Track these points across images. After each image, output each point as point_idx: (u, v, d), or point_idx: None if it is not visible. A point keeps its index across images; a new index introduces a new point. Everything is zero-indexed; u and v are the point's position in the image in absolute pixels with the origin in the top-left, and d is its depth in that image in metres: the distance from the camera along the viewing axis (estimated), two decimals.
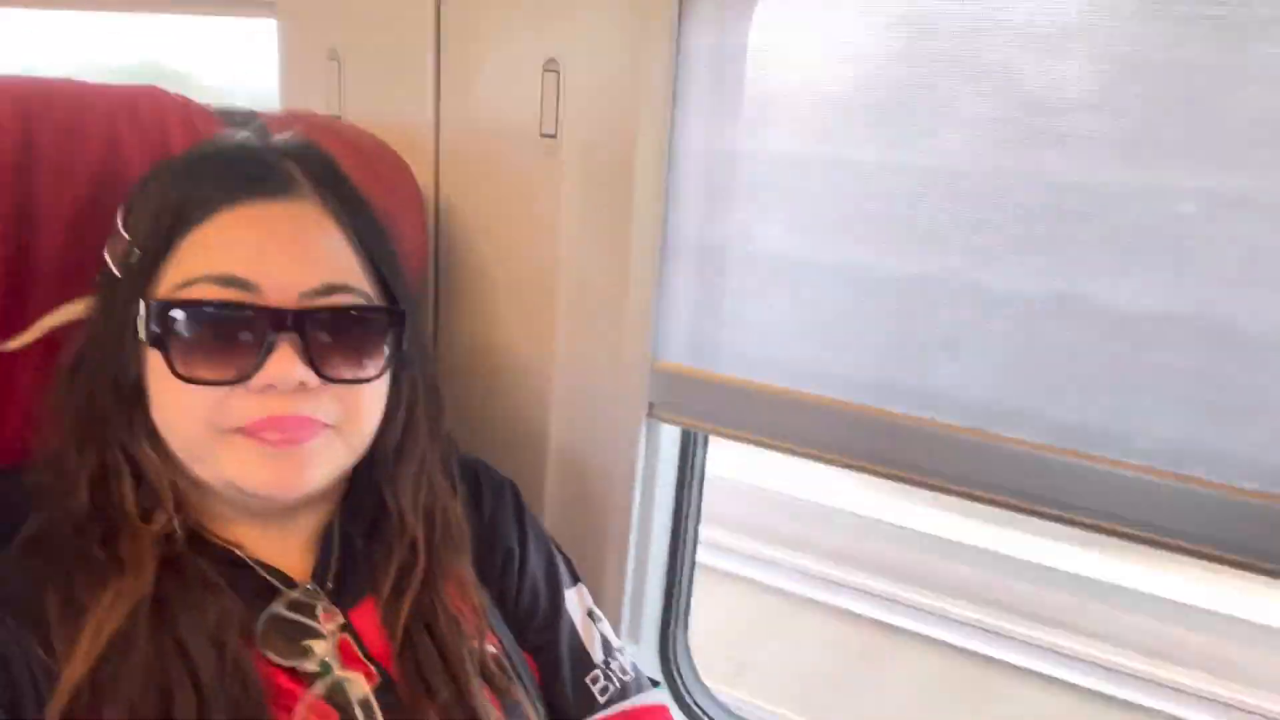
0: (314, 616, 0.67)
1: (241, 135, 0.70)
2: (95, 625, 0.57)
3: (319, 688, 0.64)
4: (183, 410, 0.61)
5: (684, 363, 0.96)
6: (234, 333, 0.60)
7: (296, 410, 0.61)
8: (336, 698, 0.64)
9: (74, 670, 0.56)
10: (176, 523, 0.64)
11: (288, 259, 0.61)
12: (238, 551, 0.67)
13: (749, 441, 0.93)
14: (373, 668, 0.67)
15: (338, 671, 0.65)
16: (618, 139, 0.90)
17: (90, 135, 0.72)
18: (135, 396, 0.63)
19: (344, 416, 0.64)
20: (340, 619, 0.68)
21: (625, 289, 0.93)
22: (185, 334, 0.60)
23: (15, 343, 0.69)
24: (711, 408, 0.94)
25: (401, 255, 0.71)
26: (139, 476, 0.64)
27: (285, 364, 0.59)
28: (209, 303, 0.60)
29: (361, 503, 0.72)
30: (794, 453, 0.90)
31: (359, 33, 1.04)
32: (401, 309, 0.67)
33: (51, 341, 0.69)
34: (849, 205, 0.85)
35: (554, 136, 0.93)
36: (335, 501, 0.72)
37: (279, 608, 0.66)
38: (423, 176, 0.99)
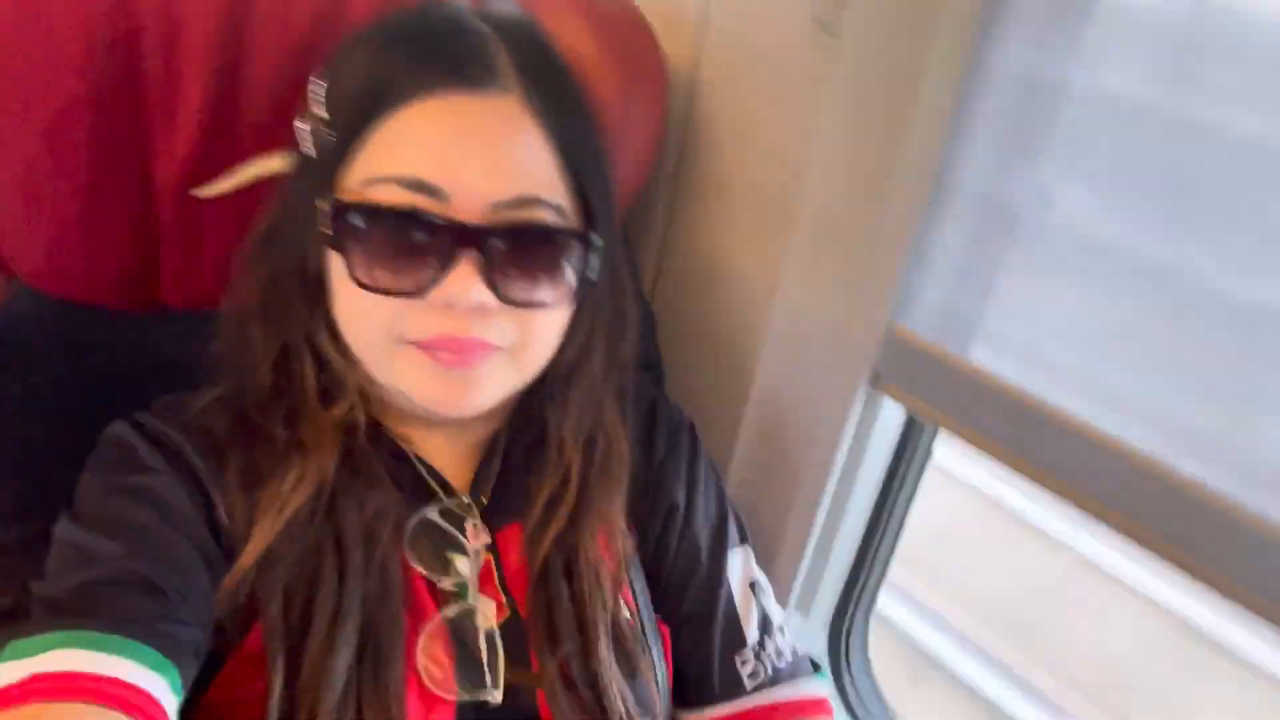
0: (462, 530, 0.66)
1: (451, 3, 0.62)
2: (279, 503, 0.59)
3: (450, 610, 0.63)
4: (362, 315, 0.59)
5: (928, 336, 0.78)
6: (415, 244, 0.55)
7: (471, 332, 0.57)
8: (463, 625, 0.62)
9: (255, 545, 0.57)
10: (359, 411, 0.63)
11: (480, 165, 0.56)
12: (405, 448, 0.66)
13: (992, 454, 0.74)
14: (504, 599, 0.65)
15: (471, 598, 0.64)
16: (904, 48, 0.71)
17: None
18: (318, 289, 0.61)
19: (519, 340, 0.60)
20: (487, 538, 0.66)
21: (875, 232, 0.76)
22: (365, 240, 0.56)
23: (210, 190, 0.68)
24: (951, 398, 0.77)
25: (617, 157, 0.66)
26: (321, 362, 0.63)
27: (464, 282, 0.55)
28: (390, 209, 0.55)
29: (526, 421, 0.69)
30: (1051, 488, 0.70)
31: None
32: (595, 234, 0.60)
33: (252, 193, 0.67)
34: (1203, 190, 0.62)
35: (831, 32, 0.75)
36: (503, 415, 0.70)
37: (432, 513, 0.65)
38: (679, 57, 0.85)
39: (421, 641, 0.61)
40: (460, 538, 0.65)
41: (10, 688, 0.46)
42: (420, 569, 0.63)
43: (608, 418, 0.69)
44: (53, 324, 0.69)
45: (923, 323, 0.78)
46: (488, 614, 0.64)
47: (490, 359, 0.59)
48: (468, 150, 0.55)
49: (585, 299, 0.64)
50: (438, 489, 0.66)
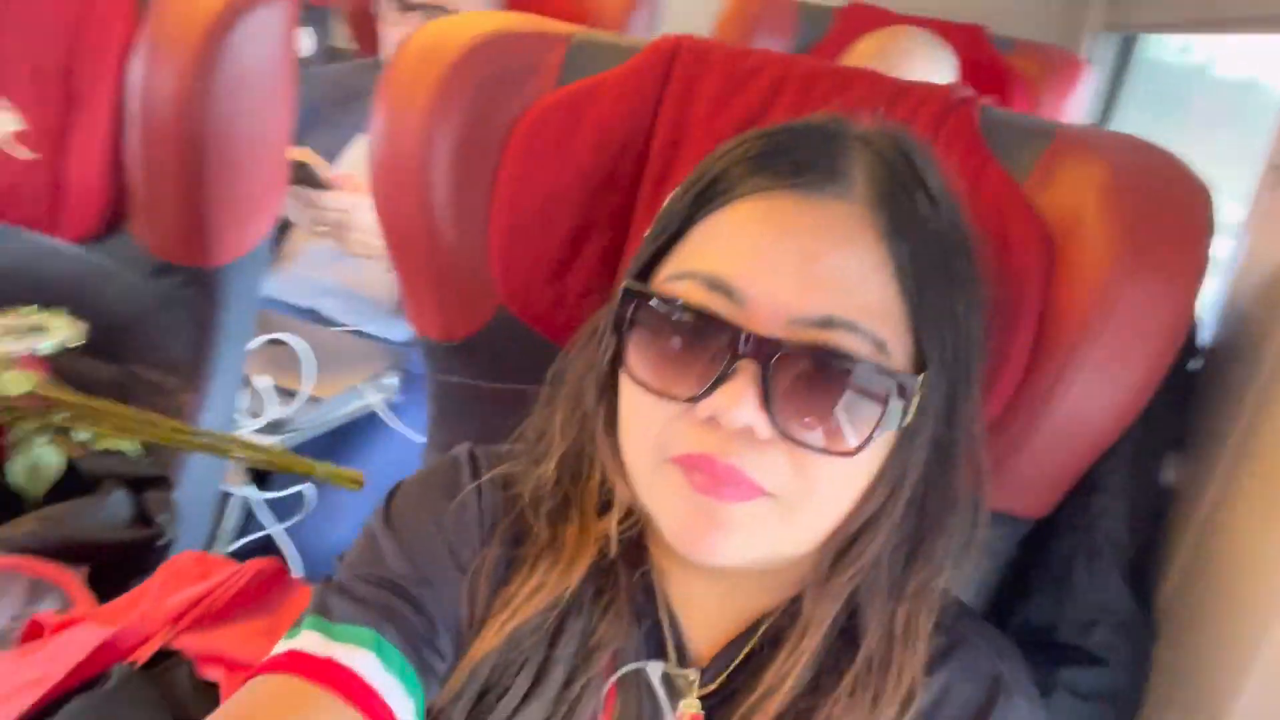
0: (674, 705, 0.56)
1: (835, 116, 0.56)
2: (513, 609, 0.55)
3: None
4: (635, 423, 0.52)
5: None
6: (692, 346, 0.49)
7: (731, 458, 0.48)
8: None
9: (479, 648, 0.55)
10: (619, 531, 0.57)
11: (789, 273, 0.48)
12: (658, 584, 0.58)
13: None
14: None
15: None
16: None
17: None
18: (611, 386, 0.55)
19: (794, 489, 0.49)
20: None
21: None
22: (644, 332, 0.51)
23: None
24: None
25: (992, 300, 0.55)
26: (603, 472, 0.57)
27: (734, 398, 0.47)
28: (668, 301, 0.50)
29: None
30: None
31: None
32: (909, 377, 0.49)
33: None
34: None
35: None
36: (783, 590, 0.57)
37: (654, 671, 0.56)
38: None
39: None
40: (668, 714, 0.56)
41: (306, 658, 0.49)
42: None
43: (886, 621, 0.54)
44: (517, 344, 0.77)
45: None
46: None
47: (752, 503, 0.49)
48: (779, 255, 0.48)
49: (895, 462, 0.51)
50: (671, 649, 0.57)
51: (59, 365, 0.98)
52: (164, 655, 0.65)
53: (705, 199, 0.51)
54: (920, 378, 0.49)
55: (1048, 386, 0.63)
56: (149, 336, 0.99)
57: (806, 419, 0.48)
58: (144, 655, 0.64)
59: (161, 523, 0.85)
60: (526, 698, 0.54)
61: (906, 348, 0.50)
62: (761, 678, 0.54)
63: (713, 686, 0.56)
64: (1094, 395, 0.62)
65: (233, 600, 0.69)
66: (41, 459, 0.87)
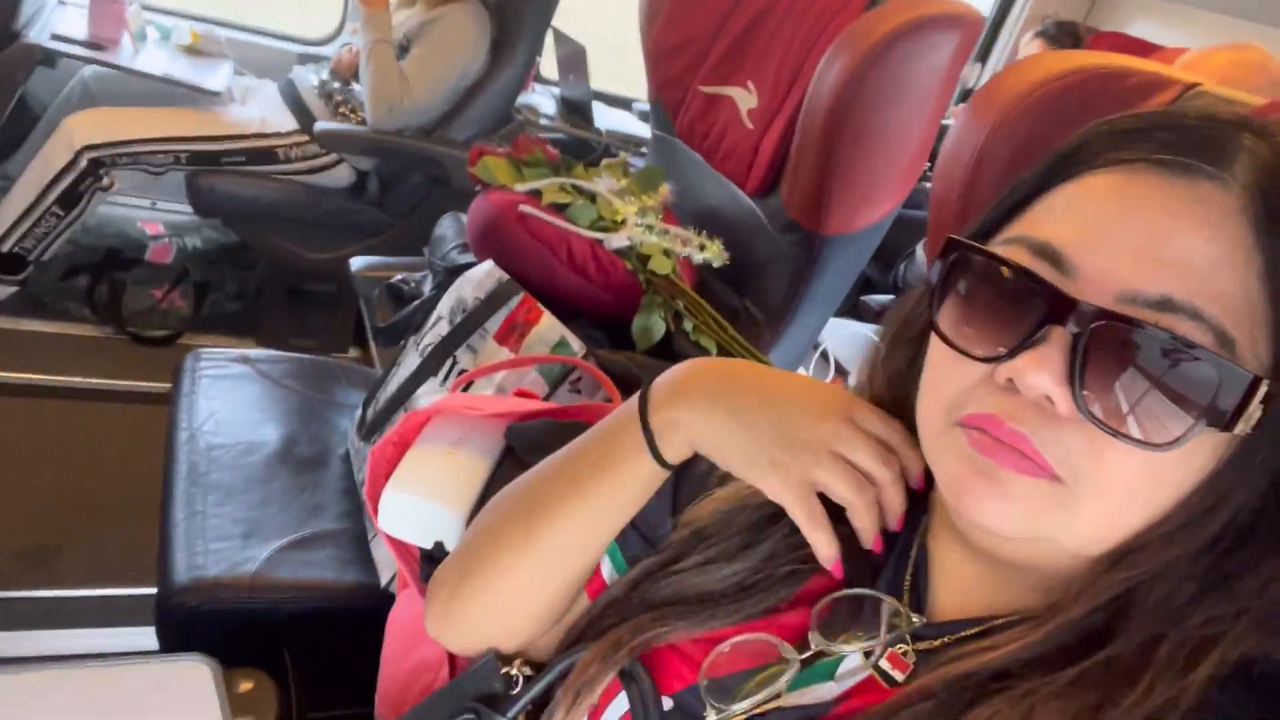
0: (891, 643, 0.54)
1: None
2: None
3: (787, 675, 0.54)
4: (935, 381, 0.51)
5: None
6: (1005, 307, 0.46)
7: (1025, 427, 0.45)
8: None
9: (705, 507, 0.63)
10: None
11: (1131, 247, 0.44)
12: (919, 535, 0.57)
13: None
14: None
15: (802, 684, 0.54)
16: None
17: None
18: (920, 343, 0.54)
19: (1086, 478, 0.44)
20: (898, 677, 0.53)
21: None
22: (960, 288, 0.49)
23: None
24: None
25: None
26: None
27: (1038, 363, 0.44)
28: (989, 257, 0.47)
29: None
30: None
31: None
32: (1248, 375, 0.42)
33: None
34: None
35: None
36: (1050, 596, 0.51)
37: (885, 605, 0.55)
38: None
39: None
40: (879, 646, 0.53)
41: None
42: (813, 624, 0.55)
43: (1148, 635, 0.46)
44: None
45: None
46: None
47: (1033, 477, 0.45)
48: (1123, 228, 0.44)
49: (1222, 479, 0.45)
50: (907, 593, 0.56)
51: (703, 277, 1.29)
52: None
53: (1059, 168, 0.48)
54: (1265, 383, 0.42)
55: None
56: (764, 280, 1.23)
57: (1115, 401, 0.43)
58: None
59: None
60: (731, 559, 0.58)
61: (1260, 353, 0.43)
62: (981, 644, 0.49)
63: (927, 645, 0.53)
64: None
65: None
66: (654, 325, 1.18)
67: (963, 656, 0.49)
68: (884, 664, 0.53)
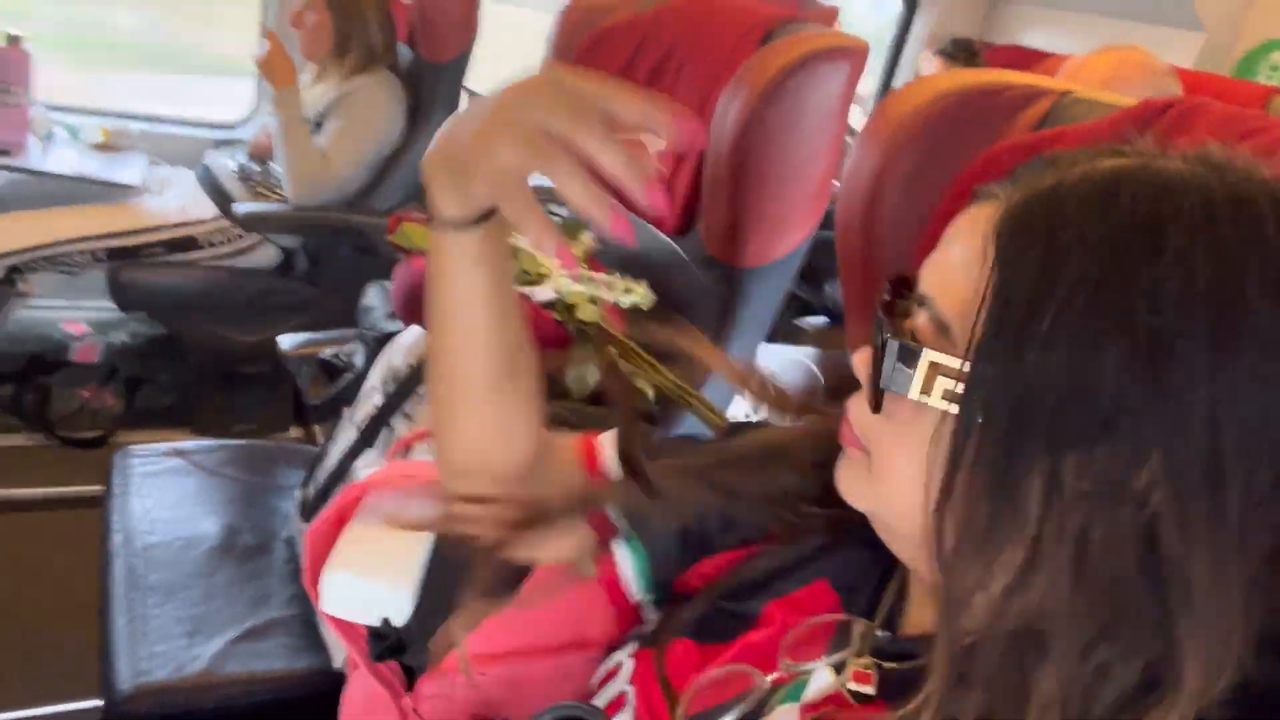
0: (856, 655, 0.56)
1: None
2: None
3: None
4: None
5: None
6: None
7: (850, 406, 0.54)
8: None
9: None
10: None
11: (935, 258, 0.52)
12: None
13: None
14: None
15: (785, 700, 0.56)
16: None
17: None
18: None
19: (873, 445, 0.52)
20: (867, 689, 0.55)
21: None
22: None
23: None
24: None
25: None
26: None
27: (861, 350, 0.52)
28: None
29: None
30: None
31: None
32: (917, 347, 0.48)
33: None
34: None
35: None
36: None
37: (854, 625, 0.57)
38: None
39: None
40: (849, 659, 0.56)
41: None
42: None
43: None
44: None
45: None
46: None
47: (854, 452, 0.53)
48: (942, 244, 0.52)
49: (935, 451, 0.47)
50: (884, 609, 0.58)
51: (634, 319, 1.30)
52: None
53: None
54: (926, 350, 0.47)
55: None
56: (691, 317, 1.25)
57: (883, 379, 0.49)
58: None
59: None
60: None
61: (974, 340, 0.46)
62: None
63: (893, 666, 0.55)
64: None
65: None
66: (588, 374, 1.19)
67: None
68: (851, 683, 0.55)
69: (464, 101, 2.65)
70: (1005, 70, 0.86)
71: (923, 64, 2.77)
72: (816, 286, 2.55)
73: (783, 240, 1.17)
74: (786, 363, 1.60)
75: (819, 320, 2.05)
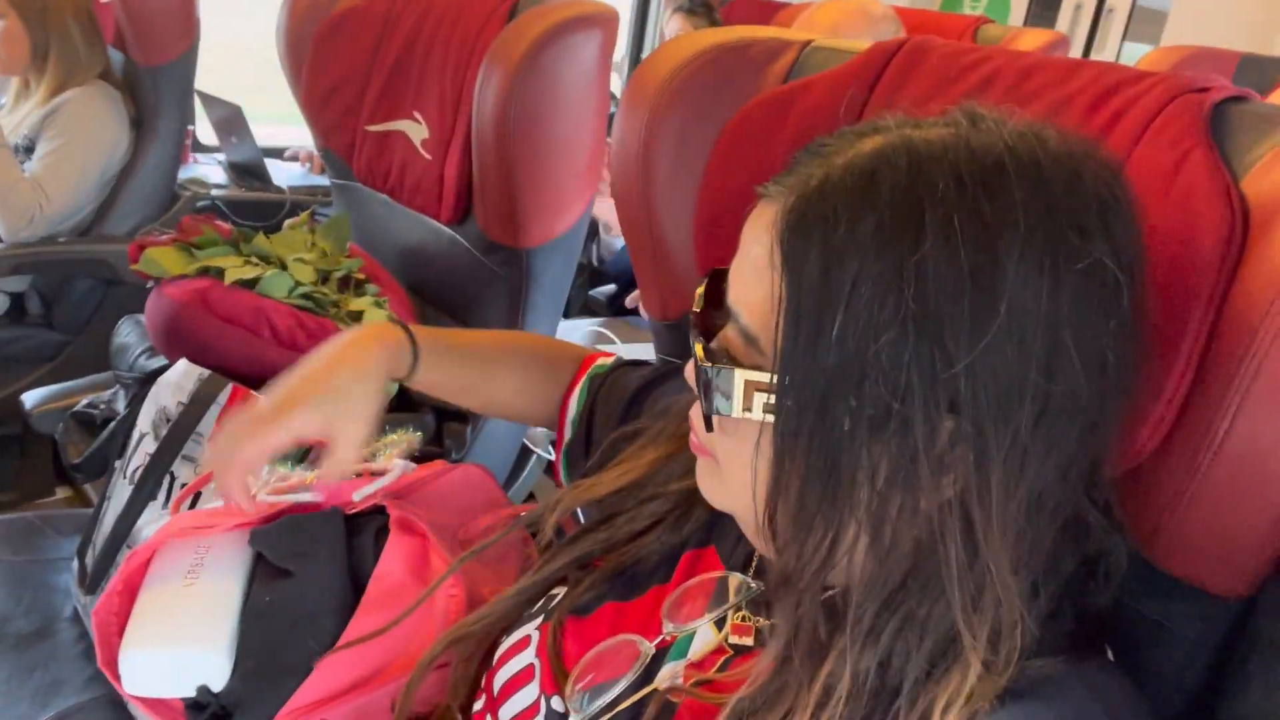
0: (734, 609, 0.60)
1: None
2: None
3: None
4: None
5: None
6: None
7: (693, 415, 0.56)
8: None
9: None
10: None
11: (737, 264, 0.53)
12: None
13: None
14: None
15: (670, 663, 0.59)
16: None
17: None
18: None
19: (718, 453, 0.54)
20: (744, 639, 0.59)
21: None
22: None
23: None
24: None
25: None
26: None
27: (690, 368, 0.54)
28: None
29: None
30: None
31: None
32: (726, 370, 0.50)
33: None
34: None
35: None
36: None
37: (731, 580, 0.61)
38: None
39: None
40: (728, 614, 0.60)
41: None
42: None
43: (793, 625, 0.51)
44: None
45: None
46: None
47: (705, 459, 0.56)
48: (741, 248, 0.53)
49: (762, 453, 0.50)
50: (754, 562, 0.62)
51: (424, 316, 1.25)
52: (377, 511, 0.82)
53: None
54: (739, 371, 0.49)
55: (1209, 410, 0.52)
56: (482, 304, 1.22)
57: (708, 393, 0.51)
58: (357, 507, 0.82)
59: (448, 447, 1.06)
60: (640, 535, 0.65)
61: (780, 345, 0.47)
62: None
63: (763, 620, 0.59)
64: (1272, 426, 0.50)
65: (436, 487, 0.85)
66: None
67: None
68: (733, 636, 0.58)
69: (197, 106, 2.44)
70: (750, 26, 0.89)
71: (667, 24, 2.83)
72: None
73: (563, 216, 1.16)
74: (584, 336, 1.60)
75: (608, 289, 2.07)
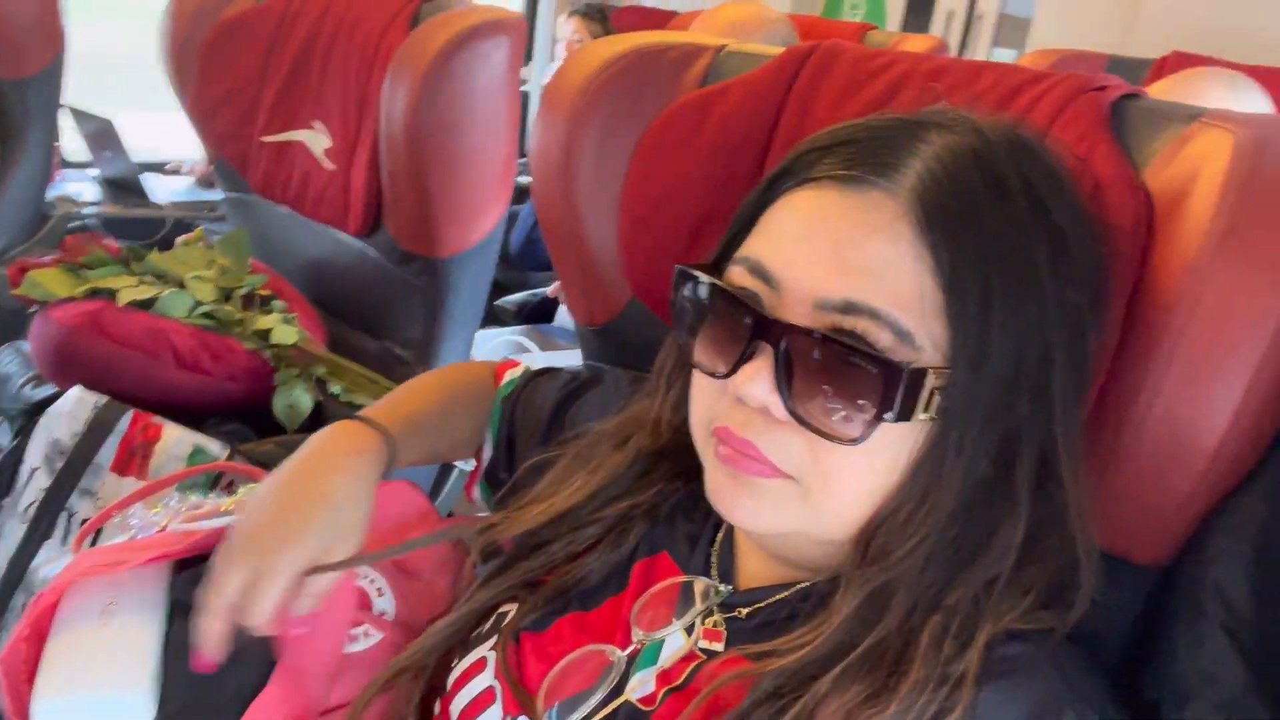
0: (703, 617, 0.59)
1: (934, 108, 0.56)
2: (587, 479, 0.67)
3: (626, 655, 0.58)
4: (695, 396, 0.56)
5: None
6: (727, 327, 0.52)
7: (747, 433, 0.51)
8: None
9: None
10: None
11: (818, 259, 0.49)
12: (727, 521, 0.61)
13: None
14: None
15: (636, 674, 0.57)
16: None
17: None
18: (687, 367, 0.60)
19: (811, 475, 0.50)
20: (715, 646, 0.57)
21: None
22: (695, 313, 0.54)
23: None
24: None
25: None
26: None
27: (749, 376, 0.49)
28: (710, 287, 0.53)
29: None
30: None
31: None
32: (918, 369, 0.47)
33: None
34: None
35: None
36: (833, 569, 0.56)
37: (696, 584, 0.60)
38: None
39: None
40: (697, 622, 0.58)
41: None
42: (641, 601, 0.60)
43: (904, 623, 0.50)
44: (648, 331, 0.86)
45: None
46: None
47: (771, 479, 0.51)
48: (812, 242, 0.49)
49: (927, 462, 0.49)
50: (715, 570, 0.61)
51: (336, 333, 1.21)
52: None
53: (771, 189, 0.54)
54: (931, 372, 0.47)
55: (1132, 388, 0.55)
56: (397, 316, 1.19)
57: (816, 403, 0.48)
58: None
59: None
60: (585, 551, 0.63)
61: (939, 341, 0.47)
62: (782, 636, 0.53)
63: (739, 615, 0.58)
64: (1189, 401, 0.54)
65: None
66: (298, 400, 1.09)
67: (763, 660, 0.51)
68: (703, 641, 0.57)
69: (66, 119, 2.30)
70: (662, 31, 0.90)
71: (562, 31, 2.83)
72: (504, 261, 2.55)
73: (478, 224, 1.15)
74: (502, 346, 1.58)
75: (518, 297, 2.05)
